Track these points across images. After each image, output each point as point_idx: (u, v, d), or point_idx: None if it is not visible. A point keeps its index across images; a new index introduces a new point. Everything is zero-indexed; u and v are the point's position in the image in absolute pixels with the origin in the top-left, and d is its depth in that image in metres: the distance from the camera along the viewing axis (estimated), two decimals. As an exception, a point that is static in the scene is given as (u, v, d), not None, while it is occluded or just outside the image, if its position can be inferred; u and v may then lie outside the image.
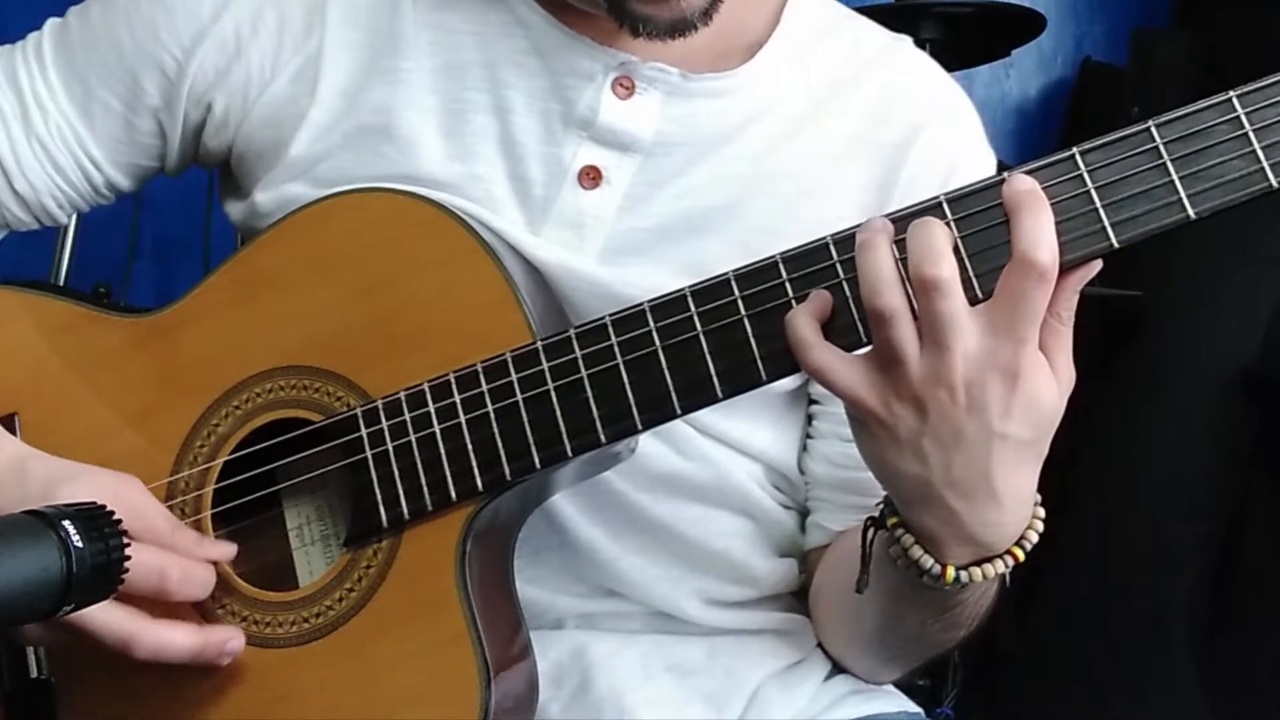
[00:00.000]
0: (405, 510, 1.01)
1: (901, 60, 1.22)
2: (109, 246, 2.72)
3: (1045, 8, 2.77)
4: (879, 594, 1.03)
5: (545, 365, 0.99)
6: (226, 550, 1.04)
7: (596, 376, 0.98)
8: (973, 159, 1.19)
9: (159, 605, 1.00)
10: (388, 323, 1.04)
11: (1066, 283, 0.89)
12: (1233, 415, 2.57)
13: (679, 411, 0.97)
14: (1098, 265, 0.90)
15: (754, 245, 1.00)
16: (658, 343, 0.97)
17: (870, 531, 1.00)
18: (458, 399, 1.01)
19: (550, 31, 1.13)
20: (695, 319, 0.96)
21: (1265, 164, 0.87)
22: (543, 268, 1.10)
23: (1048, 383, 0.89)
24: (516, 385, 1.00)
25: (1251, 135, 0.87)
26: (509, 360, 1.00)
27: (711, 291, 0.96)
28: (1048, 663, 2.63)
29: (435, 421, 1.01)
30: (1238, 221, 0.90)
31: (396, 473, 1.02)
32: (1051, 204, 0.89)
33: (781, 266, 0.94)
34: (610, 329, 0.98)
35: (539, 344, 1.00)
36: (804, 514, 1.22)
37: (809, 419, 1.21)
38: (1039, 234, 0.87)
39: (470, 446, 1.00)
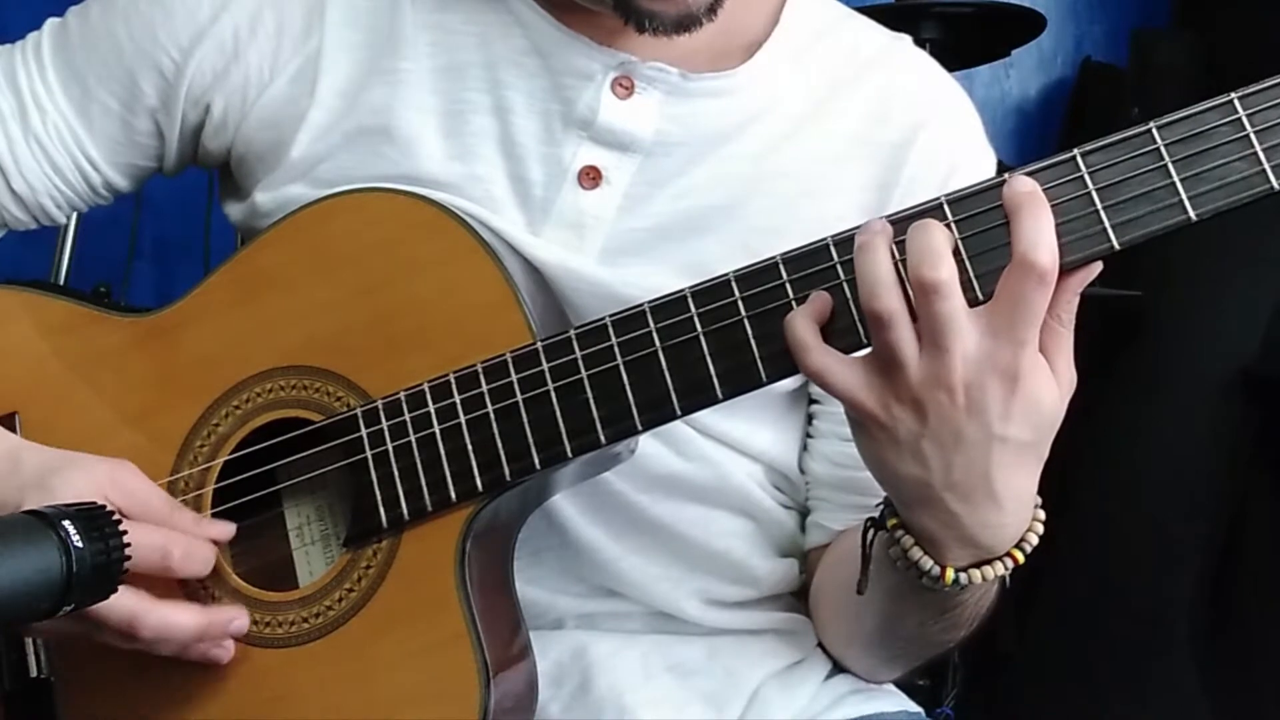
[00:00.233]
0: (405, 510, 1.01)
1: (901, 60, 1.22)
2: (109, 246, 2.72)
3: (1045, 8, 2.77)
4: (879, 594, 1.03)
5: (545, 366, 0.99)
6: (225, 529, 1.04)
7: (597, 377, 0.98)
8: (973, 159, 1.19)
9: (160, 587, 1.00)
10: (388, 323, 1.04)
11: (1067, 285, 0.89)
12: (1233, 415, 2.57)
13: (679, 412, 0.97)
14: (1098, 267, 0.90)
15: (754, 245, 1.00)
16: (658, 343, 0.97)
17: (870, 533, 1.00)
18: (458, 399, 1.01)
19: (550, 31, 1.13)
20: (695, 320, 0.96)
21: (1267, 166, 0.87)
22: (543, 268, 1.10)
23: (1048, 385, 0.89)
24: (516, 386, 1.00)
25: (1253, 137, 0.87)
26: (509, 361, 1.00)
27: (712, 292, 0.96)
28: (1048, 663, 2.63)
29: (435, 422, 1.01)
30: (1238, 222, 0.90)
31: (396, 473, 1.02)
32: (1052, 205, 0.88)
33: (782, 267, 0.94)
34: (610, 329, 0.98)
35: (539, 344, 1.00)
36: (804, 514, 1.22)
37: (809, 418, 1.21)
38: (1039, 236, 0.87)
39: (470, 447, 1.00)
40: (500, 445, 1.00)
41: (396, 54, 1.14)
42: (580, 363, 0.98)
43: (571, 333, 0.99)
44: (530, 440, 0.99)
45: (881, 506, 0.99)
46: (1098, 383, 2.74)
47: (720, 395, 0.96)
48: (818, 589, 1.20)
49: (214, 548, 1.03)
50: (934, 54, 1.25)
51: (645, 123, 1.13)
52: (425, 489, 1.01)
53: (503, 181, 1.13)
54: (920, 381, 0.88)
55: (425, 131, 1.13)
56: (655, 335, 0.97)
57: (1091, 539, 2.64)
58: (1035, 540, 0.96)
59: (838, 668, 1.22)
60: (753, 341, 0.95)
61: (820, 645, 1.22)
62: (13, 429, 1.09)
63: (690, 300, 0.96)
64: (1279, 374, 2.51)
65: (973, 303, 0.88)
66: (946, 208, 0.91)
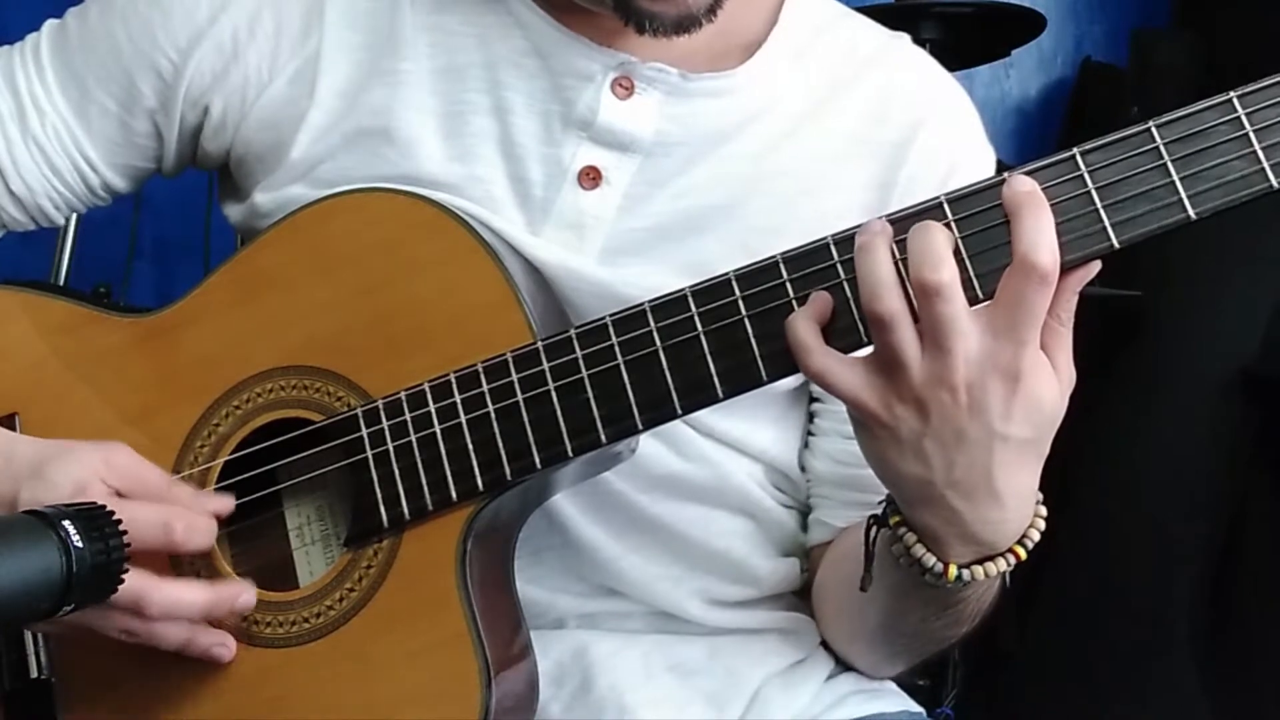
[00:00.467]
0: (406, 510, 1.01)
1: (900, 58, 1.22)
2: (109, 247, 2.72)
3: (1045, 8, 2.77)
4: (882, 591, 1.03)
5: (546, 365, 0.99)
6: (224, 503, 1.04)
7: (597, 376, 0.98)
8: (972, 157, 1.19)
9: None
10: (388, 323, 1.04)
11: (1066, 284, 0.89)
12: (1233, 415, 2.57)
13: (680, 411, 0.97)
14: (1097, 266, 0.90)
15: (754, 244, 1.00)
16: (658, 343, 0.97)
17: (873, 530, 1.00)
18: (458, 399, 1.01)
19: (549, 32, 1.13)
20: (696, 319, 0.96)
21: (1266, 164, 0.87)
22: (543, 268, 1.10)
23: (1049, 383, 0.90)
24: (517, 385, 1.00)
25: (1252, 136, 0.88)
26: (510, 360, 1.00)
27: (712, 291, 0.96)
28: (1048, 663, 2.63)
29: (436, 421, 1.01)
30: (1237, 221, 0.90)
31: (397, 472, 1.02)
32: (1052, 204, 0.89)
33: (782, 266, 0.94)
34: (611, 329, 0.98)
35: (539, 344, 1.00)
36: (805, 513, 1.22)
37: (810, 416, 1.21)
38: (1039, 236, 0.87)
39: (471, 446, 1.00)
40: (501, 445, 1.00)
41: (396, 55, 1.14)
42: (581, 362, 0.98)
43: (572, 332, 0.99)
44: (531, 439, 0.99)
45: (884, 504, 0.99)
46: (1098, 383, 2.74)
47: (721, 394, 0.96)
48: (820, 586, 1.21)
49: (215, 521, 1.02)
50: (934, 54, 1.25)
51: (645, 123, 1.13)
52: (426, 488, 1.01)
53: (502, 182, 1.13)
54: (922, 381, 0.89)
55: (425, 132, 1.13)
56: (656, 335, 0.97)
57: (1091, 539, 2.64)
58: (1037, 536, 0.97)
59: (839, 667, 1.22)
60: (753, 340, 0.95)
61: (822, 644, 1.22)
62: (13, 429, 1.09)
63: (690, 299, 0.96)
64: (1279, 374, 2.51)
65: (973, 301, 0.89)
66: (946, 207, 0.91)
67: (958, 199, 0.91)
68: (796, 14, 1.18)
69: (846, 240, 0.93)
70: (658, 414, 0.97)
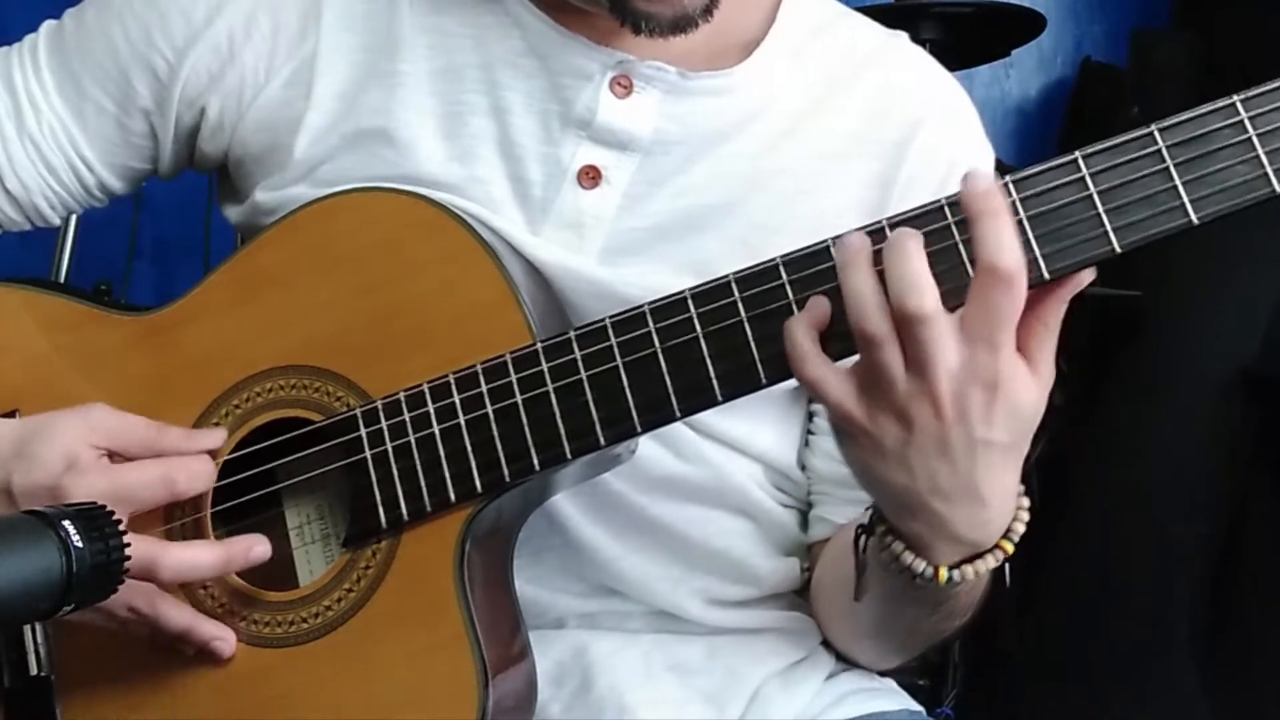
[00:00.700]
0: (404, 511, 1.01)
1: (899, 57, 1.22)
2: (109, 246, 2.72)
3: (1045, 8, 2.77)
4: (875, 595, 1.04)
5: (545, 367, 0.99)
6: (216, 436, 1.04)
7: (596, 378, 0.98)
8: (972, 156, 1.19)
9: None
10: (388, 322, 1.04)
11: (1057, 294, 0.90)
12: (1233, 415, 2.57)
13: (679, 414, 0.97)
14: (1089, 276, 0.90)
15: (753, 243, 1.00)
16: (658, 345, 0.97)
17: (861, 538, 1.01)
18: (457, 400, 1.01)
19: (547, 32, 1.13)
20: (695, 321, 0.96)
21: (1269, 169, 0.87)
22: (543, 268, 1.10)
23: (1026, 386, 0.90)
24: (516, 386, 1.00)
25: (1255, 140, 0.87)
26: (509, 361, 1.00)
27: (711, 294, 0.96)
28: (1048, 662, 2.63)
29: (434, 422, 1.01)
30: (1238, 222, 0.90)
31: (396, 474, 1.02)
32: (1054, 208, 0.89)
33: (782, 269, 0.94)
34: (610, 331, 0.98)
35: (539, 345, 1.00)
36: (805, 512, 1.22)
37: (810, 415, 1.21)
38: (1000, 240, 0.87)
39: (469, 448, 1.00)
40: (500, 446, 1.00)
41: (394, 56, 1.14)
42: (580, 364, 0.98)
43: (571, 334, 0.99)
44: (530, 441, 0.99)
45: (870, 512, 1.00)
46: (1097, 382, 2.74)
47: (720, 397, 0.96)
48: (818, 583, 1.21)
49: (210, 460, 1.03)
50: (934, 54, 1.25)
51: (644, 122, 1.13)
52: (424, 490, 1.01)
53: (502, 182, 1.13)
54: (905, 395, 0.89)
55: (424, 133, 1.13)
56: (655, 336, 0.97)
57: (1091, 539, 2.64)
58: (1022, 529, 0.97)
59: (839, 666, 1.22)
60: (753, 343, 0.95)
61: (823, 644, 1.22)
62: (13, 427, 1.09)
63: (690, 302, 0.96)
64: (1279, 374, 2.51)
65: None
66: (947, 209, 0.91)
67: (958, 202, 0.91)
68: (795, 13, 1.18)
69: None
70: (657, 416, 0.97)
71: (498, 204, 1.12)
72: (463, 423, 1.00)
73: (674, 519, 1.16)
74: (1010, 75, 3.27)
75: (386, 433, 1.02)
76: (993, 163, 1.21)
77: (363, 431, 1.03)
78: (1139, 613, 2.54)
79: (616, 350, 0.98)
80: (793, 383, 1.14)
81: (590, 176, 1.13)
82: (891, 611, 1.08)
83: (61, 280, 2.54)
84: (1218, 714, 2.45)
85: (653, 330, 0.97)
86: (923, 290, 0.87)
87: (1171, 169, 0.88)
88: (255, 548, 1.01)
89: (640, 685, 1.15)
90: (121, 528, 0.84)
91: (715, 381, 0.96)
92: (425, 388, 1.02)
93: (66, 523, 0.82)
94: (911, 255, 0.88)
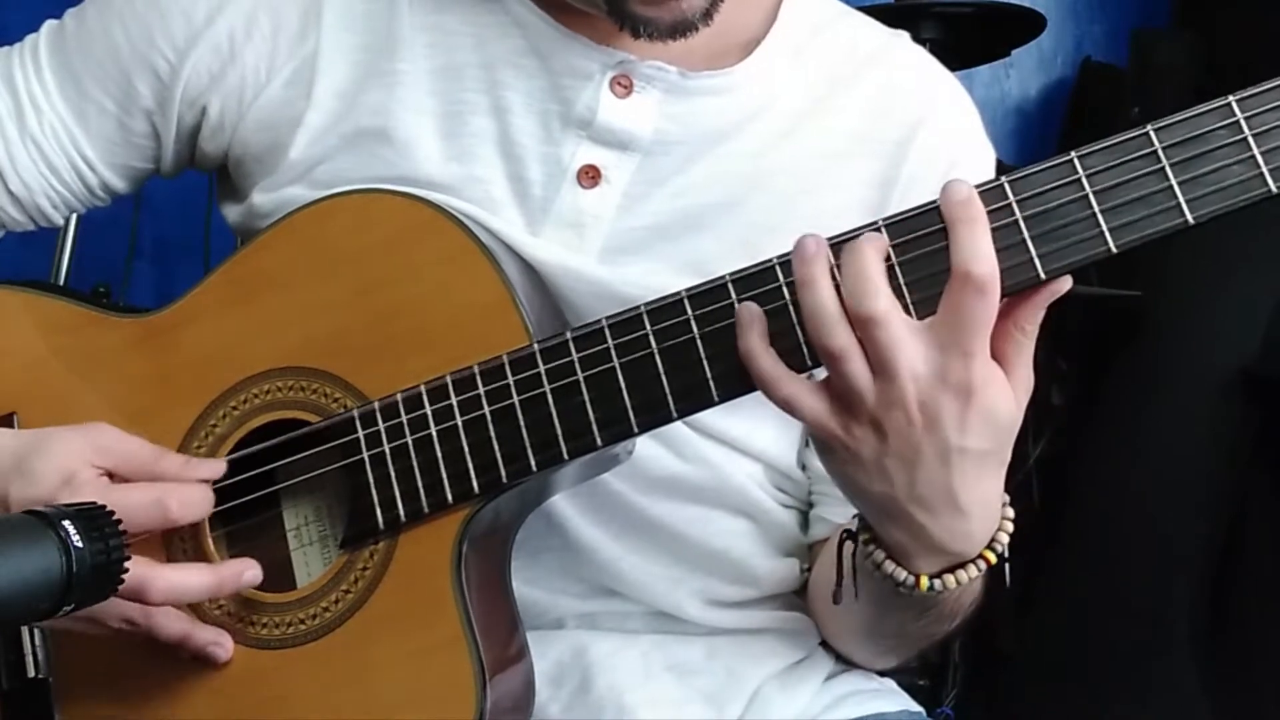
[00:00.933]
0: (402, 512, 1.01)
1: (900, 57, 1.22)
2: (108, 247, 2.72)
3: (1045, 8, 2.77)
4: (861, 600, 1.04)
5: (542, 368, 0.99)
6: (216, 467, 1.04)
7: (593, 379, 0.98)
8: (973, 155, 1.19)
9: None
10: (385, 324, 1.04)
11: (1033, 300, 0.90)
12: (1233, 415, 2.57)
13: (675, 414, 0.97)
14: (1068, 283, 0.91)
15: (753, 243, 1.00)
16: (654, 346, 0.97)
17: (846, 544, 1.02)
18: (454, 401, 1.01)
19: (547, 31, 1.13)
20: (692, 322, 0.96)
21: (1265, 169, 0.87)
22: (542, 268, 1.10)
23: (1003, 393, 0.90)
24: (513, 388, 1.00)
25: (1251, 140, 0.87)
26: (506, 363, 1.00)
27: (708, 295, 0.96)
28: (1048, 663, 2.63)
29: (432, 424, 1.01)
30: (1237, 222, 0.90)
31: (393, 475, 1.02)
32: (1050, 209, 0.89)
33: (778, 270, 0.94)
34: (607, 332, 0.98)
35: (536, 347, 1.00)
36: (805, 512, 1.23)
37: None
38: (975, 247, 0.88)
39: (467, 449, 1.00)
40: (497, 447, 1.00)
41: (394, 56, 1.14)
42: (577, 365, 0.98)
43: (568, 335, 0.99)
44: (527, 442, 0.99)
45: (856, 519, 1.00)
46: (1098, 383, 2.74)
47: (717, 398, 0.96)
48: (814, 583, 1.21)
49: (209, 489, 1.02)
50: (934, 54, 1.25)
51: (644, 121, 1.13)
52: (422, 491, 1.01)
53: (501, 182, 1.13)
54: (876, 404, 0.90)
55: (423, 133, 1.13)
56: (652, 338, 0.97)
57: (1091, 539, 2.64)
58: (1006, 539, 0.98)
59: (839, 667, 1.22)
60: (749, 344, 0.95)
61: (822, 644, 1.23)
62: (11, 428, 1.09)
63: (687, 303, 0.96)
64: (1279, 374, 2.51)
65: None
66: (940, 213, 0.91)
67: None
68: (796, 12, 1.18)
69: (843, 243, 0.93)
70: (653, 417, 0.97)
71: (497, 204, 1.12)
72: (460, 424, 1.00)
73: (673, 519, 1.16)
74: (1010, 75, 3.27)
75: (384, 434, 1.02)
76: (993, 163, 1.21)
77: (360, 433, 1.03)
78: (1139, 613, 2.54)
79: (613, 351, 0.98)
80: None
81: (590, 176, 1.13)
82: (878, 615, 1.08)
83: (62, 280, 2.54)
84: (1218, 714, 2.45)
85: (649, 331, 0.97)
86: (876, 291, 0.88)
87: (1167, 169, 0.88)
88: (246, 573, 1.01)
89: (639, 685, 1.15)
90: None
91: (712, 382, 0.96)
92: (422, 389, 1.02)
93: (66, 523, 0.82)
94: (865, 256, 0.89)
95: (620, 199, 1.13)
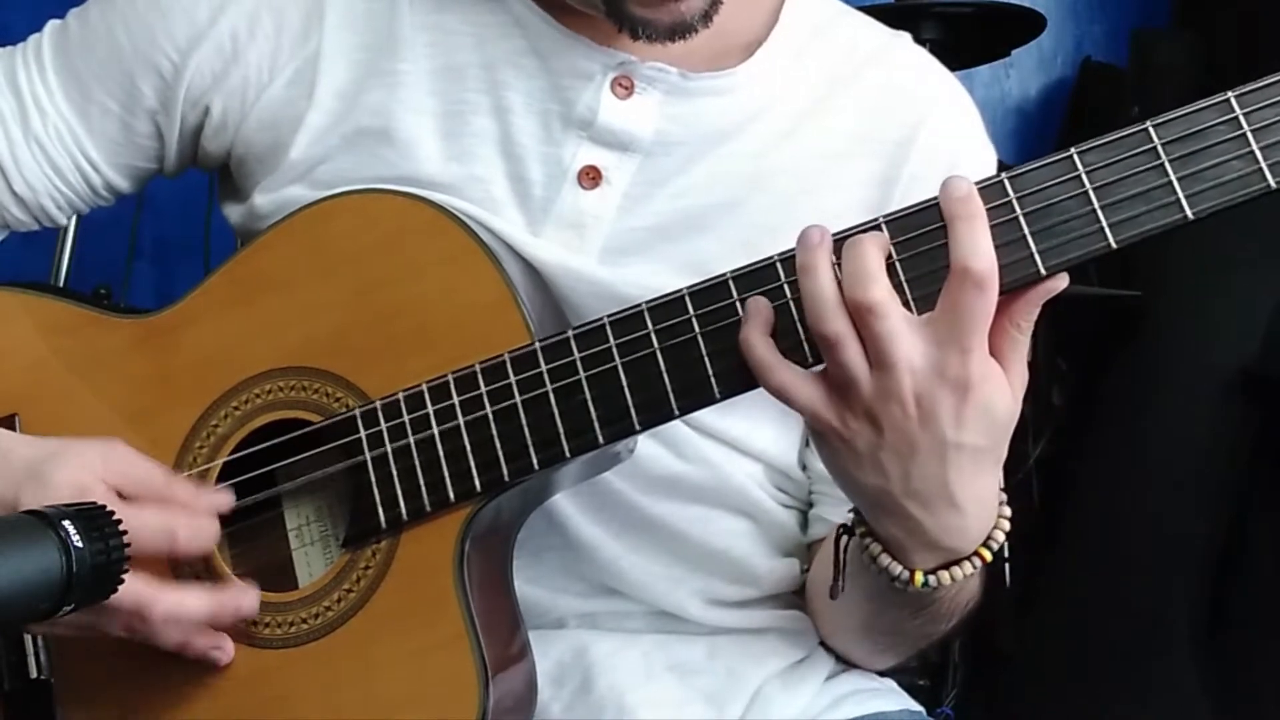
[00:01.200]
0: (404, 511, 1.01)
1: (901, 57, 1.22)
2: (109, 247, 2.72)
3: (1045, 8, 2.77)
4: (857, 595, 1.05)
5: (544, 367, 0.99)
6: (224, 499, 1.04)
7: (595, 378, 0.98)
8: (974, 155, 1.19)
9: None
10: (387, 324, 1.04)
11: (1028, 297, 0.91)
12: (1233, 415, 2.57)
13: (677, 412, 0.97)
14: (1064, 281, 0.91)
15: (754, 243, 1.00)
16: (656, 344, 0.97)
17: (843, 539, 1.02)
18: (456, 400, 1.01)
19: (548, 32, 1.13)
20: (693, 321, 0.96)
21: (1264, 164, 0.88)
22: (543, 268, 1.10)
23: (1000, 390, 0.91)
24: (515, 387, 1.00)
25: (1250, 135, 0.88)
26: (507, 362, 1.00)
27: (709, 293, 0.96)
28: (1048, 663, 2.62)
29: (434, 423, 1.01)
30: (1238, 221, 0.90)
31: (395, 474, 1.02)
32: (1049, 205, 0.89)
33: (779, 267, 0.94)
34: (609, 330, 0.98)
35: (537, 345, 1.00)
36: (806, 512, 1.23)
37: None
38: (975, 243, 0.88)
39: (468, 448, 1.00)
40: (499, 446, 1.00)
41: (395, 56, 1.14)
42: (578, 363, 0.98)
43: (570, 333, 0.99)
44: (529, 441, 0.99)
45: (852, 513, 1.00)
46: (1098, 383, 2.74)
47: (718, 395, 0.96)
48: (811, 581, 1.21)
49: (216, 521, 1.02)
50: (934, 54, 1.25)
51: (645, 122, 1.13)
52: (424, 490, 1.01)
53: (502, 182, 1.13)
54: (872, 396, 0.90)
55: (424, 133, 1.13)
56: (653, 336, 0.97)
57: (1091, 539, 2.64)
58: (1001, 538, 0.98)
59: (840, 666, 1.22)
60: (750, 342, 0.95)
61: (822, 644, 1.23)
62: (13, 430, 1.09)
63: (688, 301, 0.96)
64: (1279, 374, 2.51)
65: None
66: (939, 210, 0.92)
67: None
68: (796, 13, 1.18)
69: (844, 239, 0.93)
70: (655, 415, 0.98)
71: (498, 204, 1.12)
72: (462, 423, 1.00)
73: (674, 519, 1.16)
74: (1010, 75, 3.27)
75: (385, 434, 1.02)
76: (994, 163, 1.21)
77: (362, 433, 1.03)
78: (1139, 613, 2.54)
79: (615, 350, 0.98)
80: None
81: (591, 177, 1.13)
82: (875, 611, 1.09)
83: (62, 280, 2.54)
84: (1218, 714, 2.45)
85: (651, 330, 0.97)
86: (873, 280, 0.89)
87: (1166, 165, 0.89)
88: (245, 600, 1.01)
89: (641, 685, 1.15)
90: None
91: (713, 380, 0.96)
92: (424, 388, 1.02)
93: (66, 523, 0.82)
94: (865, 247, 0.89)
95: (621, 200, 1.13)
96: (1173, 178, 0.89)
